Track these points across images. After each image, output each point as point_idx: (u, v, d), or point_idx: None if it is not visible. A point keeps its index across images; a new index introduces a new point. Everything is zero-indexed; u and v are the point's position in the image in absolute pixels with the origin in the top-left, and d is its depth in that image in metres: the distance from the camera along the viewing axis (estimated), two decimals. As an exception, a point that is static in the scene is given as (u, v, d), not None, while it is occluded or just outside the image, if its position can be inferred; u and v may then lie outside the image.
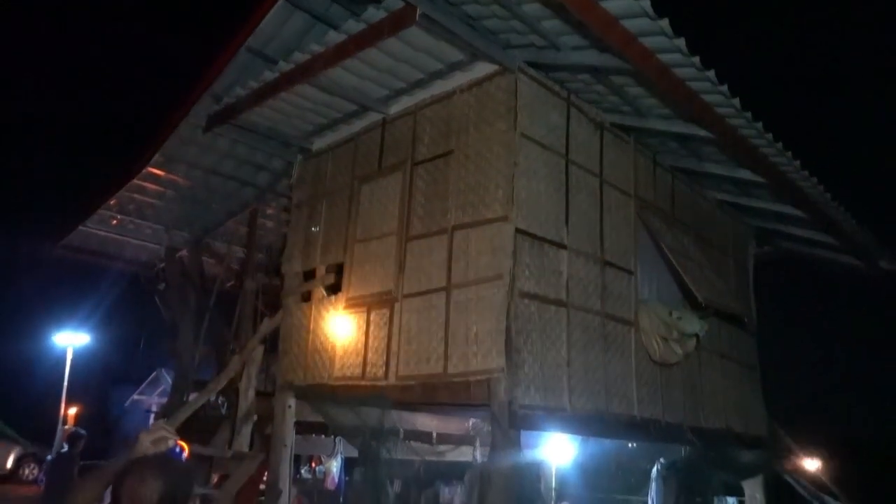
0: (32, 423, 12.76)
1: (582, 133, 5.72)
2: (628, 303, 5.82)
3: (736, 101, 4.83)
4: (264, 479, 6.52)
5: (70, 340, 13.34)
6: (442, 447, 8.41)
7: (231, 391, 6.66)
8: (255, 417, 6.50)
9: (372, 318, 5.72)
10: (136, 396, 13.16)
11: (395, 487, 9.72)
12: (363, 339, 5.73)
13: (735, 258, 7.84)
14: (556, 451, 7.54)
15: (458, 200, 5.27)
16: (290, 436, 6.33)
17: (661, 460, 6.74)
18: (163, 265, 9.02)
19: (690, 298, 6.13)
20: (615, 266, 5.77)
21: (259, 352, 6.58)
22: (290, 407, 6.36)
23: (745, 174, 6.24)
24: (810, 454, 8.42)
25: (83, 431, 10.13)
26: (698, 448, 6.44)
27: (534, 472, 7.55)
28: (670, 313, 5.75)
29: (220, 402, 7.61)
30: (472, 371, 4.79)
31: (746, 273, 8.11)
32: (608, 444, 6.98)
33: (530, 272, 4.93)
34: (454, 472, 8.71)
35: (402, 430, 7.53)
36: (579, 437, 7.01)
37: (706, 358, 6.67)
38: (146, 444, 2.16)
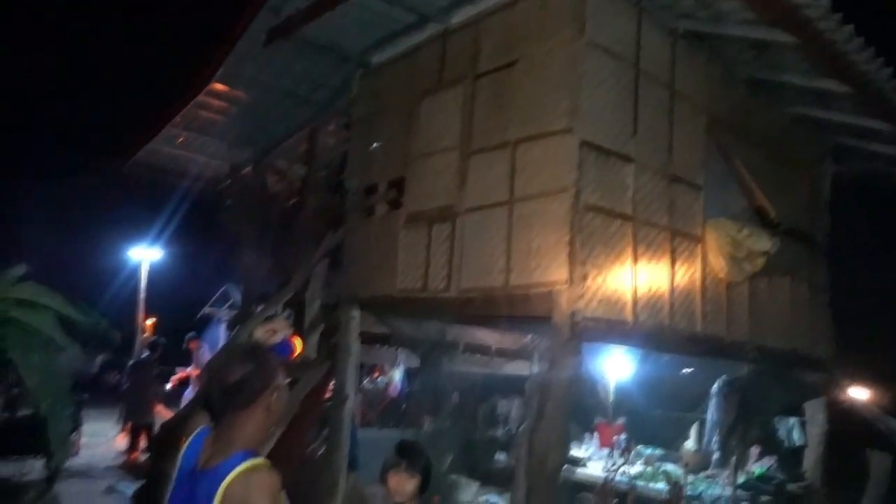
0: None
1: (653, 41, 5.44)
2: (695, 218, 5.67)
3: (825, 1, 4.49)
4: (331, 385, 6.83)
5: (144, 255, 14.04)
6: (500, 361, 8.61)
7: (297, 304, 6.91)
8: (322, 328, 6.74)
9: (433, 231, 5.76)
10: (206, 309, 13.85)
11: (454, 399, 10.06)
12: (424, 252, 5.80)
13: (810, 176, 7.49)
14: (616, 367, 7.61)
15: (522, 113, 5.16)
16: (354, 345, 6.56)
17: (724, 377, 6.73)
18: (227, 182, 9.26)
19: (761, 216, 5.93)
20: (683, 181, 5.60)
21: (323, 265, 6.76)
22: (353, 318, 6.56)
23: (828, 84, 5.86)
24: (874, 381, 8.25)
25: (162, 340, 10.82)
26: (761, 367, 6.39)
27: (593, 386, 7.67)
28: (739, 230, 5.58)
29: (286, 314, 7.91)
30: (533, 283, 4.81)
31: (821, 192, 7.74)
32: (668, 360, 6.99)
33: (595, 185, 4.83)
34: (511, 386, 8.93)
35: (461, 343, 7.74)
36: (639, 353, 7.03)
37: (774, 277, 6.49)
38: (258, 334, 2.29)
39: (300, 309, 6.91)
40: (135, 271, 14.06)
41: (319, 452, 6.81)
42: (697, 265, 5.61)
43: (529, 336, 7.58)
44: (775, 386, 6.64)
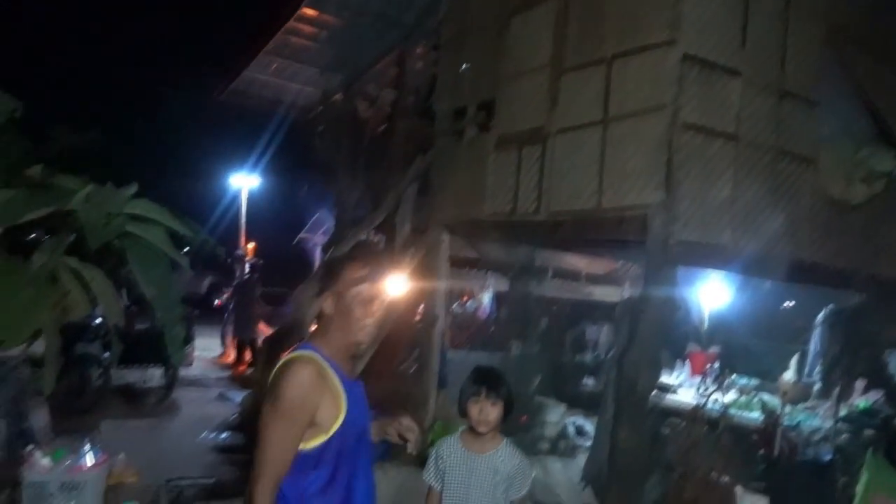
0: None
1: (767, -61, 4.94)
2: (807, 137, 5.25)
3: None
4: (421, 307, 7.02)
5: (243, 182, 14.68)
6: (590, 287, 8.53)
7: (388, 227, 7.04)
8: (412, 251, 6.87)
9: (524, 154, 5.65)
10: (302, 234, 14.40)
11: (543, 324, 10.10)
12: (514, 175, 5.71)
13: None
14: (712, 293, 7.36)
15: (618, 26, 4.87)
16: (443, 269, 6.67)
17: (830, 307, 6.37)
18: (319, 109, 9.39)
19: (885, 134, 5.43)
20: (795, 97, 5.16)
21: (412, 190, 6.81)
22: (443, 242, 6.64)
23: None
24: None
25: (260, 261, 11.41)
26: (872, 297, 5.99)
27: (686, 313, 7.48)
28: (858, 150, 5.14)
29: (377, 238, 8.10)
30: (626, 206, 4.66)
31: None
32: (769, 288, 6.69)
33: (696, 102, 4.54)
34: (601, 313, 8.86)
35: (550, 268, 7.70)
36: (738, 280, 6.76)
37: (893, 201, 5.98)
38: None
39: (391, 233, 7.05)
40: (235, 198, 14.81)
41: (411, 370, 7.08)
42: (807, 187, 5.24)
43: (620, 261, 7.43)
44: (888, 318, 6.23)
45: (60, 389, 7.43)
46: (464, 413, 2.65)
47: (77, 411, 7.19)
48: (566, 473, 6.15)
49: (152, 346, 8.70)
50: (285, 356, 2.02)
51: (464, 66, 6.49)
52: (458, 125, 6.56)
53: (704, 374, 7.21)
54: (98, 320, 8.29)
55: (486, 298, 8.09)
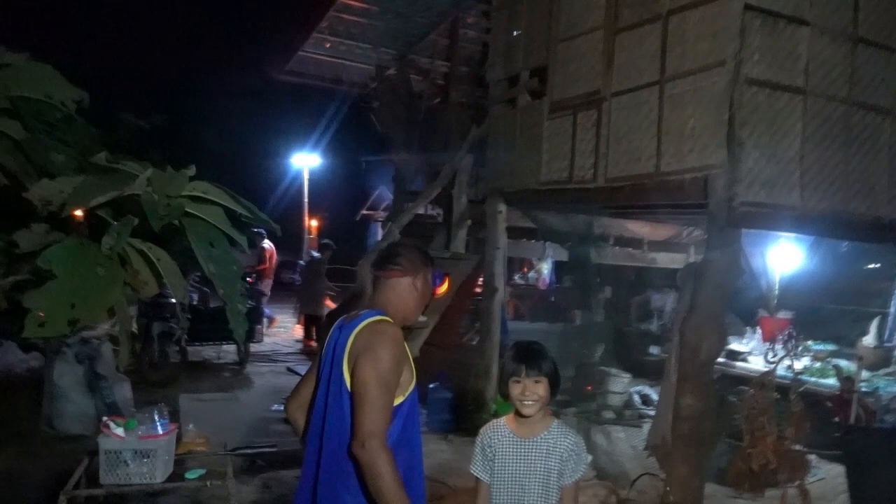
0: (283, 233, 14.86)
1: None
2: (885, 87, 4.92)
3: None
4: (480, 279, 7.03)
5: (305, 161, 14.98)
6: (653, 254, 8.34)
7: (445, 199, 7.06)
8: (469, 223, 6.87)
9: (579, 119, 5.53)
10: (364, 211, 14.59)
11: (606, 293, 9.97)
12: (570, 142, 5.60)
13: None
14: (783, 257, 7.06)
15: (674, -21, 4.67)
16: (501, 239, 6.65)
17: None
18: (374, 84, 9.44)
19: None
20: (871, 44, 4.84)
21: (468, 160, 6.79)
22: (500, 212, 6.61)
23: None
24: None
25: (331, 242, 11.63)
26: (960, 255, 5.62)
27: (755, 277, 7.22)
28: (941, 97, 4.78)
29: (435, 211, 8.13)
30: (687, 168, 4.50)
31: None
32: (843, 249, 6.36)
33: (760, 55, 4.32)
34: (666, 280, 8.65)
35: (612, 236, 7.56)
36: (810, 241, 6.46)
37: None
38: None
39: (448, 205, 7.07)
40: (297, 176, 15.13)
41: (473, 341, 7.13)
42: (884, 140, 4.93)
43: (683, 226, 7.23)
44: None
45: (141, 365, 7.94)
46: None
47: (157, 385, 7.59)
48: (630, 442, 6.10)
49: (226, 323, 9.13)
50: (364, 320, 2.07)
51: (515, 32, 6.38)
52: (512, 93, 6.47)
53: (776, 340, 6.96)
54: (173, 299, 8.71)
55: (546, 268, 8.02)
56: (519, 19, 6.35)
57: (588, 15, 5.42)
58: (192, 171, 3.12)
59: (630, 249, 8.04)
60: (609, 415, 7.41)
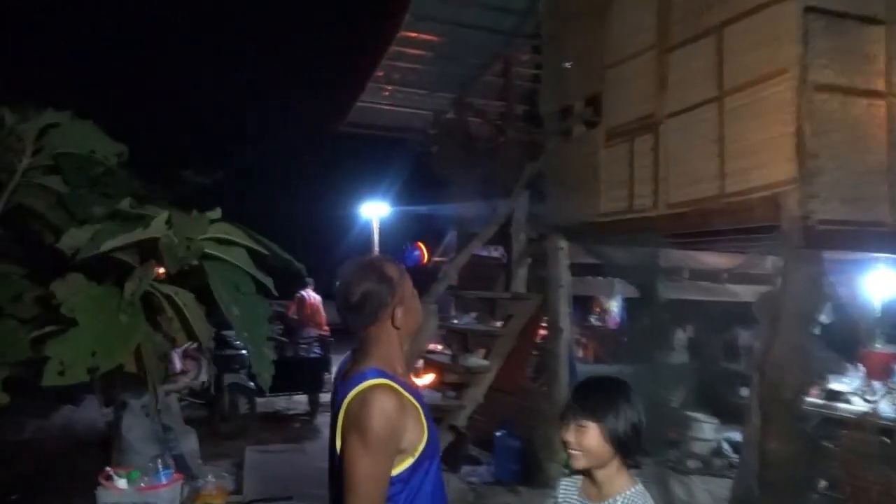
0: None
1: None
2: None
3: None
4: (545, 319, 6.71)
5: (374, 211, 15.17)
6: (734, 287, 7.74)
7: (502, 239, 6.84)
8: (529, 261, 6.61)
9: (635, 145, 5.24)
10: (436, 258, 14.51)
11: (688, 331, 9.36)
12: (627, 169, 5.31)
13: None
14: (880, 283, 6.38)
15: (726, -11, 4.38)
16: (564, 277, 6.33)
17: None
18: (433, 130, 9.46)
19: None
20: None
21: (524, 197, 6.57)
22: (561, 248, 6.32)
23: None
24: None
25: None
26: None
27: (852, 306, 6.53)
28: None
29: (498, 252, 7.92)
30: (753, 187, 4.12)
31: None
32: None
33: (828, 59, 3.94)
34: (753, 315, 8.00)
35: (685, 268, 7.08)
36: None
37: None
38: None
39: (506, 244, 6.84)
40: (367, 226, 15.31)
41: (539, 386, 6.77)
42: None
43: (769, 259, 6.66)
44: None
45: (212, 417, 8.02)
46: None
47: (226, 437, 7.62)
48: (717, 494, 5.53)
49: (302, 373, 9.19)
50: (355, 387, 1.85)
51: (567, 63, 6.20)
52: (566, 125, 6.26)
53: (885, 377, 6.23)
54: (244, 351, 8.82)
55: (615, 305, 7.59)
56: (569, 49, 6.18)
57: (638, 36, 5.19)
58: (217, 213, 3.07)
59: (707, 283, 7.50)
60: (695, 464, 6.82)
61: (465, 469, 6.57)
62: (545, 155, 6.54)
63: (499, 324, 6.73)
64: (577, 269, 6.52)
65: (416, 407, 1.90)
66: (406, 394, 1.89)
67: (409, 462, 1.85)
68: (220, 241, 3.03)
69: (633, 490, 1.92)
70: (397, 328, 1.95)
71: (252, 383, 8.22)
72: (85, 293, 2.79)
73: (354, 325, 1.95)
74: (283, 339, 9.80)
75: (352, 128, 9.82)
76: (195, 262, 2.91)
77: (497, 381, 6.59)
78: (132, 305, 2.82)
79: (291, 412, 9.49)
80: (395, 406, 1.81)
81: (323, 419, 9.12)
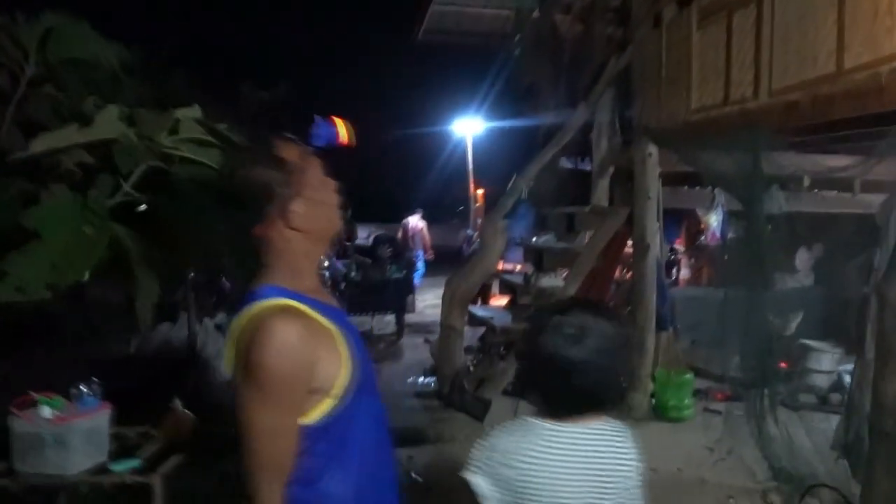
0: (444, 204, 14.66)
1: None
2: None
3: None
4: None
5: (467, 128, 14.51)
6: (871, 197, 6.55)
7: (582, 145, 6.11)
8: (612, 170, 5.86)
9: (734, 22, 4.30)
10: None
11: (814, 252, 8.24)
12: (724, 53, 4.40)
13: None
14: None
15: None
16: (653, 187, 5.56)
17: None
18: (517, 32, 8.61)
19: None
20: None
21: (608, 98, 5.76)
22: (650, 155, 5.52)
23: None
24: None
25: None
26: None
27: None
28: None
29: (586, 163, 7.16)
30: (884, 57, 3.17)
31: None
32: None
33: None
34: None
35: (806, 174, 6.01)
36: None
37: None
38: None
39: (587, 152, 6.11)
40: (460, 144, 14.70)
41: (625, 310, 6.13)
42: None
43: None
44: None
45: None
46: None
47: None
48: (828, 435, 4.75)
49: (386, 294, 9.11)
50: (252, 310, 1.40)
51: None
52: (657, 6, 5.32)
53: None
54: (326, 273, 8.79)
55: (715, 218, 6.66)
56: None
57: None
58: (194, 112, 2.70)
59: (835, 193, 6.38)
60: (809, 399, 6.00)
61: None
62: (634, 47, 5.65)
63: (581, 242, 6.12)
64: (670, 178, 5.71)
65: (331, 331, 1.44)
66: (316, 315, 1.43)
67: (327, 405, 1.41)
68: (201, 143, 2.68)
69: None
70: (296, 230, 1.47)
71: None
72: (48, 204, 2.54)
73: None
74: (367, 259, 9.70)
75: (429, 35, 9.16)
76: (162, 165, 2.59)
77: (577, 304, 6.04)
78: (97, 216, 2.55)
79: (379, 332, 9.44)
80: (297, 334, 1.35)
81: (408, 340, 9.02)
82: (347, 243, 10.02)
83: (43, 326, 3.71)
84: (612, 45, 6.27)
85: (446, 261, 12.76)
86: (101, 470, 2.18)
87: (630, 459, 1.50)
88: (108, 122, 2.38)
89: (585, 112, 5.76)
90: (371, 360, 1.68)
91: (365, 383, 1.52)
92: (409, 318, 9.75)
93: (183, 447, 2.25)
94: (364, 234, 18.22)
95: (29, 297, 2.42)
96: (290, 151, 1.49)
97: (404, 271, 9.29)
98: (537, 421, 1.51)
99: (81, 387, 2.18)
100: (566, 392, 1.48)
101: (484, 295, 9.22)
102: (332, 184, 1.53)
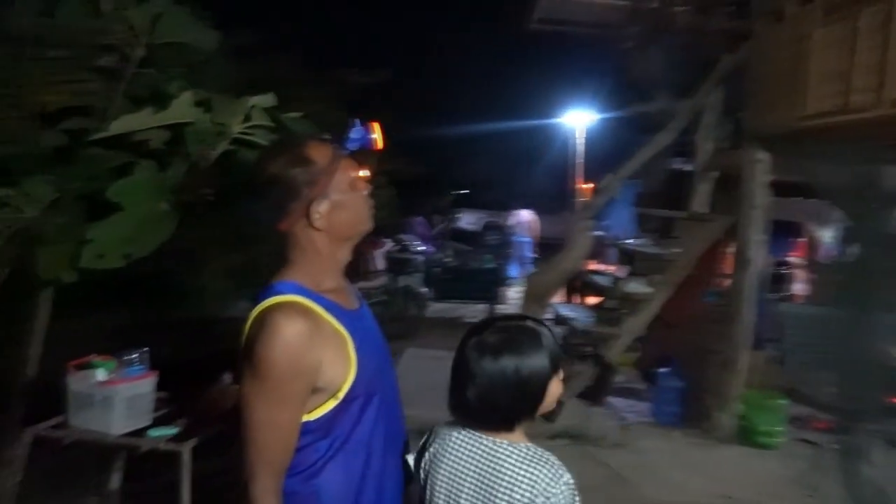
0: (554, 195, 14.37)
1: None
2: None
3: None
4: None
5: (577, 120, 14.14)
6: None
7: (684, 147, 5.78)
8: (716, 176, 5.52)
9: (861, 21, 3.90)
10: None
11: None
12: (847, 56, 4.00)
13: None
14: None
15: None
16: (759, 196, 5.18)
17: None
18: (633, 24, 8.23)
19: None
20: None
21: (717, 97, 5.41)
22: (759, 161, 5.14)
23: None
24: None
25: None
26: None
27: None
28: None
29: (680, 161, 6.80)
30: None
31: None
32: None
33: None
34: None
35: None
36: None
37: None
38: None
39: (690, 154, 5.78)
40: (568, 137, 14.33)
41: (717, 324, 5.78)
42: None
43: None
44: None
45: (382, 317, 8.27)
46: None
47: (393, 338, 7.82)
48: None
49: (476, 283, 9.15)
50: (263, 305, 1.44)
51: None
52: (778, 1, 4.92)
53: None
54: (420, 257, 8.94)
55: (828, 234, 6.10)
56: None
57: None
58: (268, 99, 2.80)
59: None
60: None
61: (623, 403, 5.97)
62: (750, 44, 5.26)
63: (677, 249, 5.81)
64: (779, 188, 5.29)
65: (341, 335, 1.46)
66: (328, 317, 1.45)
67: (330, 405, 1.44)
68: (273, 131, 2.77)
69: None
70: (318, 230, 1.49)
71: (425, 288, 8.31)
72: (132, 179, 2.73)
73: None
74: (465, 247, 9.76)
75: (541, 25, 8.94)
76: (231, 148, 2.71)
77: (665, 312, 5.78)
78: (172, 194, 2.71)
79: (468, 320, 9.49)
80: (301, 332, 1.38)
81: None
82: (445, 228, 10.13)
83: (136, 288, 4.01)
84: (728, 40, 5.87)
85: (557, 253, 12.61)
86: (139, 434, 2.35)
87: (524, 488, 1.36)
88: (183, 107, 2.52)
89: (691, 110, 5.44)
90: (390, 361, 1.69)
91: (379, 389, 1.53)
92: (503, 308, 9.72)
93: (221, 421, 2.38)
94: (472, 221, 18.33)
95: (107, 264, 2.62)
96: (320, 152, 1.51)
97: (498, 262, 9.26)
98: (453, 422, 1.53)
99: (132, 353, 2.35)
100: (458, 398, 1.45)
101: (582, 294, 9.02)
102: (362, 187, 1.54)
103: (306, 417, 1.43)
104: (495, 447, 1.43)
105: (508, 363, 1.38)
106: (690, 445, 5.15)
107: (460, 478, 1.46)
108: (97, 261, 2.61)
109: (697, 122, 5.51)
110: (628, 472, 4.56)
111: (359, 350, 1.47)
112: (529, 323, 1.49)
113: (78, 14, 3.26)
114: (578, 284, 8.40)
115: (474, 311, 9.57)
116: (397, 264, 8.31)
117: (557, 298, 10.88)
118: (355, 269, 9.57)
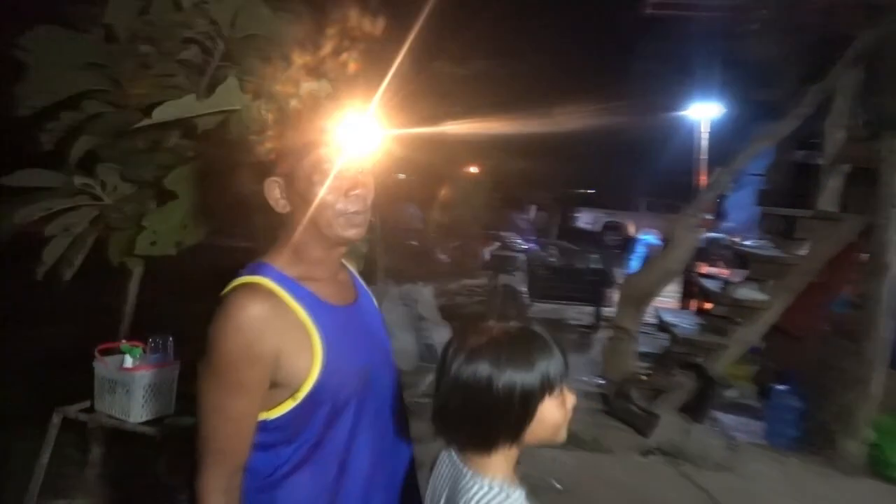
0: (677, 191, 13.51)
1: None
2: None
3: None
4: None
5: (702, 113, 13.20)
6: None
7: (809, 137, 5.14)
8: (848, 169, 4.86)
9: None
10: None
11: None
12: None
13: None
14: None
15: None
16: (902, 193, 4.50)
17: None
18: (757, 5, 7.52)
19: None
20: None
21: (850, 79, 4.75)
22: (900, 153, 4.47)
23: None
24: None
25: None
26: None
27: None
28: None
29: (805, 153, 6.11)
30: None
31: None
32: None
33: None
34: None
35: None
36: None
37: None
38: None
39: (815, 144, 5.13)
40: (693, 129, 13.39)
41: (845, 337, 5.10)
42: None
43: None
44: None
45: (481, 314, 8.11)
46: None
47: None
48: None
49: (580, 284, 8.76)
50: (230, 285, 1.35)
51: None
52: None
53: None
54: (522, 255, 8.69)
55: None
56: None
57: None
58: (324, 88, 2.73)
59: None
60: None
61: (733, 421, 5.43)
62: (892, 13, 4.56)
63: (800, 251, 5.20)
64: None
65: (306, 327, 1.31)
66: (296, 305, 1.31)
67: (288, 406, 1.30)
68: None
69: None
70: (281, 212, 1.36)
71: (524, 287, 8.07)
72: (187, 167, 2.77)
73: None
74: (571, 246, 9.39)
75: (657, 10, 8.41)
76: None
77: (786, 322, 5.19)
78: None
79: (574, 322, 9.10)
80: (256, 316, 1.26)
81: (605, 334, 8.55)
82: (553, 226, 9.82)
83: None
84: (867, 13, 5.15)
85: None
86: (158, 421, 2.35)
87: None
88: (229, 94, 2.49)
89: (819, 95, 4.81)
90: (389, 366, 1.53)
91: (360, 396, 1.38)
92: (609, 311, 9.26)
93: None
94: (590, 220, 17.73)
95: (160, 251, 2.66)
96: (297, 136, 1.37)
97: (607, 262, 8.82)
98: None
99: (158, 340, 2.36)
100: (434, 403, 1.26)
101: (698, 300, 8.41)
102: (342, 185, 1.35)
103: (265, 415, 1.31)
104: (460, 474, 1.22)
105: (482, 369, 1.15)
106: (808, 474, 4.58)
107: None
108: (150, 248, 2.66)
109: (827, 109, 4.87)
110: (729, 498, 4.11)
111: (329, 348, 1.32)
112: (531, 332, 1.26)
113: (165, 9, 3.35)
114: (696, 290, 7.81)
115: (579, 313, 9.19)
116: (499, 262, 8.12)
117: (668, 304, 10.26)
118: (462, 266, 9.50)
